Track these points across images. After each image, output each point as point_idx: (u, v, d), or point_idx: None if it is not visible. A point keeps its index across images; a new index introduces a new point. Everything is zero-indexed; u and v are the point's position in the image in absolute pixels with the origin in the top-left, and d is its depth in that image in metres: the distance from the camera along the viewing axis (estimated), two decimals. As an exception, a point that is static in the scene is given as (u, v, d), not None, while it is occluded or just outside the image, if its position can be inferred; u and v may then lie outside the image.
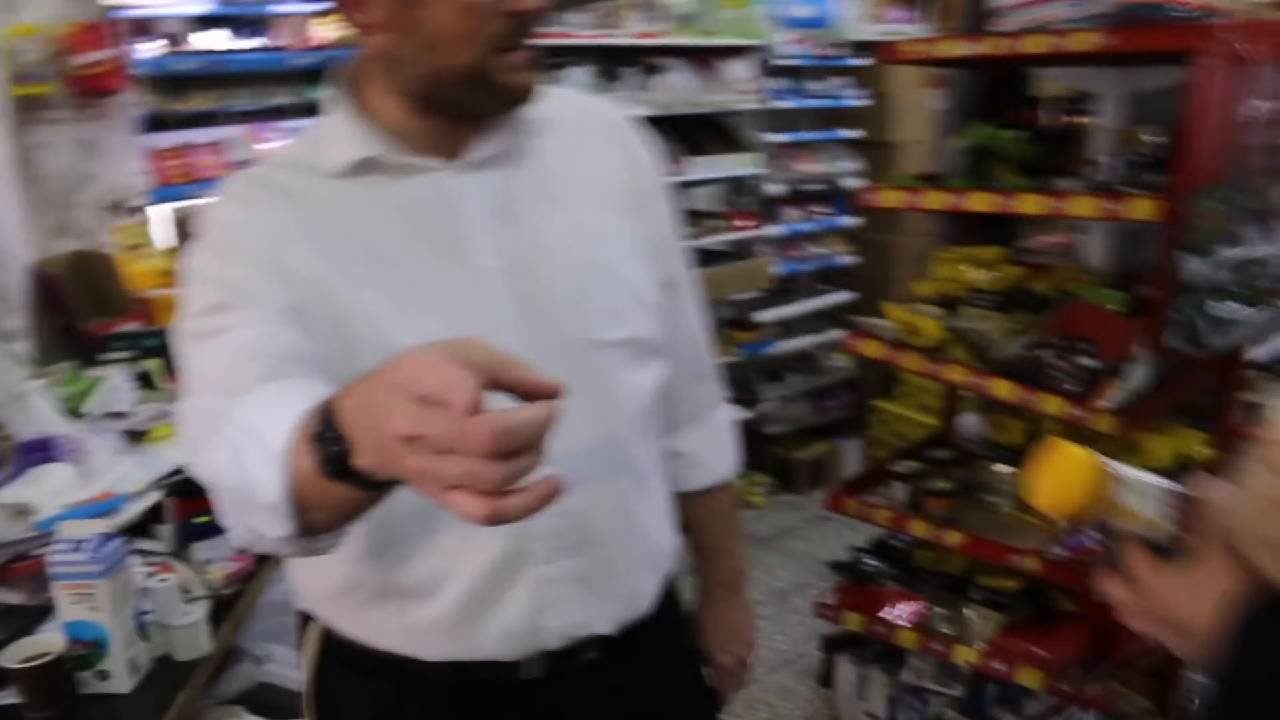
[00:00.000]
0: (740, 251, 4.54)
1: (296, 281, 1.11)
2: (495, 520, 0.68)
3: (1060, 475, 0.87)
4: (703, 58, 4.20)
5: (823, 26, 4.73)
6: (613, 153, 1.31)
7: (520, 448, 0.67)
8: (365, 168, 1.16)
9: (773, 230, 4.62)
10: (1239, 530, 0.79)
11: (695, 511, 1.48)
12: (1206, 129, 2.04)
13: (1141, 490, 0.86)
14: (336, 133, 1.17)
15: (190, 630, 1.62)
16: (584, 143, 1.29)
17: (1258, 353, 2.61)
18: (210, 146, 3.19)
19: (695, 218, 4.30)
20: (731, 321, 4.62)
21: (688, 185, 4.45)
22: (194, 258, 1.14)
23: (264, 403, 0.94)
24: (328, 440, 0.81)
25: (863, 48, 4.85)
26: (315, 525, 0.91)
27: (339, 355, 1.09)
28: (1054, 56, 2.31)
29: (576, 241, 1.22)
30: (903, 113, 4.95)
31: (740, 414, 4.54)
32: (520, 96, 1.15)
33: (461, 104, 1.15)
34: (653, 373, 1.31)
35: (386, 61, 1.13)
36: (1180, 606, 0.82)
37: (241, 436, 0.91)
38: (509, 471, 0.67)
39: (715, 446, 1.50)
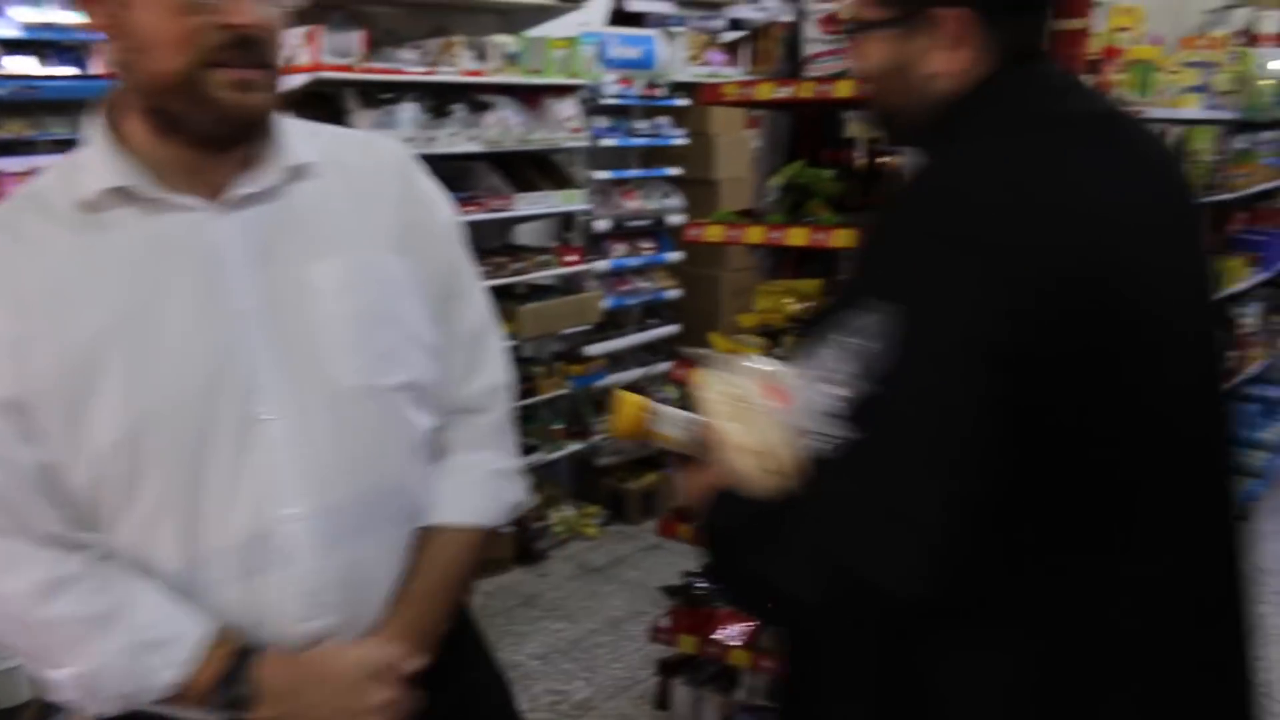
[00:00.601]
0: (569, 286, 4.61)
1: (27, 358, 1.07)
2: None
3: (620, 412, 1.28)
4: (530, 96, 4.26)
5: (646, 67, 4.88)
6: (392, 192, 1.28)
7: None
8: (116, 200, 1.12)
9: (600, 265, 4.71)
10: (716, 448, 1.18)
11: (415, 551, 1.29)
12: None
13: (673, 421, 1.27)
14: (89, 162, 1.13)
15: (9, 676, 1.55)
16: (360, 182, 1.26)
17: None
18: (25, 175, 3.03)
19: (524, 253, 4.34)
20: (562, 355, 4.67)
21: (516, 221, 4.49)
22: None
23: (163, 611, 1.12)
24: (238, 694, 1.13)
25: (685, 89, 5.01)
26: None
27: (69, 434, 1.08)
28: (861, 100, 2.46)
29: (348, 284, 1.19)
30: (723, 151, 5.14)
31: (572, 446, 4.59)
32: (242, 116, 1.12)
33: (185, 121, 1.11)
34: (433, 416, 1.29)
35: (119, 72, 1.11)
36: (692, 495, 1.23)
37: (141, 642, 1.11)
38: None
39: (457, 487, 1.32)
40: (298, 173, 1.20)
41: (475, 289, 1.37)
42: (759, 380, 1.16)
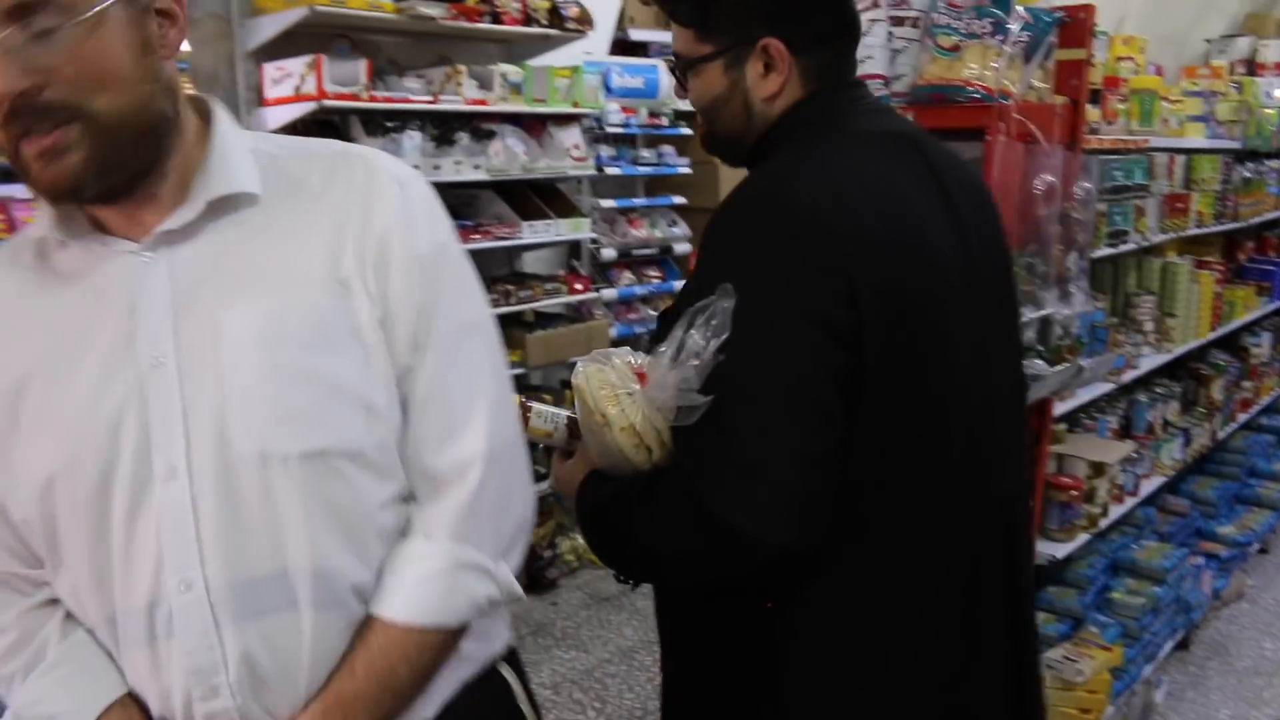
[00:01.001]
0: (577, 314, 4.62)
1: None
2: None
3: None
4: (534, 124, 4.28)
5: (649, 97, 4.90)
6: (348, 219, 1.09)
7: None
8: (55, 246, 1.09)
9: (608, 294, 4.71)
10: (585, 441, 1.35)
11: (356, 644, 1.11)
12: (1001, 199, 2.22)
13: (547, 418, 1.43)
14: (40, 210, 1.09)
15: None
16: (313, 209, 1.10)
17: (1060, 406, 2.81)
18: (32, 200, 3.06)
19: (531, 281, 4.35)
20: (570, 383, 4.66)
21: (522, 249, 4.51)
22: None
23: (59, 685, 1.10)
24: None
25: (688, 117, 5.03)
26: None
27: (5, 474, 1.08)
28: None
29: (265, 333, 1.04)
30: (727, 180, 5.15)
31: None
32: (55, 188, 1.00)
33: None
34: (383, 487, 1.11)
35: None
36: (567, 482, 1.39)
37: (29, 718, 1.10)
38: None
39: (410, 579, 1.12)
40: (227, 204, 1.08)
41: (463, 337, 1.15)
42: (630, 366, 1.29)
